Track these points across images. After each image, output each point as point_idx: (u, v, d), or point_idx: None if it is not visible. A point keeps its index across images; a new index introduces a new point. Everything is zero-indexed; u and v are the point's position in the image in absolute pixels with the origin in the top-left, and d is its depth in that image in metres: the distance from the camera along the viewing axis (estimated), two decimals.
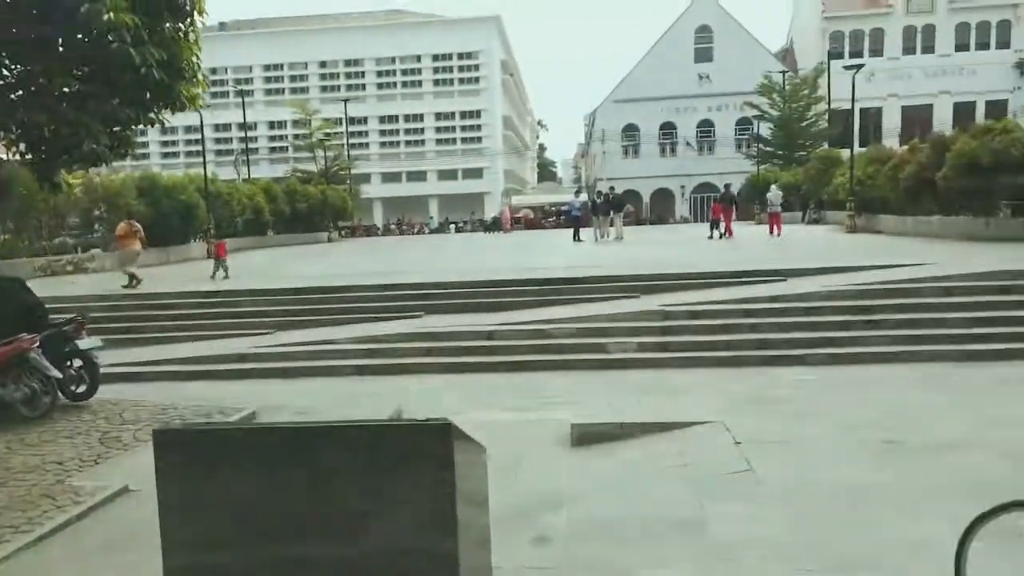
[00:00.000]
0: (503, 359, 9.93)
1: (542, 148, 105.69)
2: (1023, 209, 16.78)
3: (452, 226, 52.78)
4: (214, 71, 49.41)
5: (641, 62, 52.93)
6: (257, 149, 59.04)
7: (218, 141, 60.26)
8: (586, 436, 6.41)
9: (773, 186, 27.63)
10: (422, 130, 62.43)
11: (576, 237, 24.40)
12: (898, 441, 5.63)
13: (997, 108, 45.92)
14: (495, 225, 42.13)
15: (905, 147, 22.97)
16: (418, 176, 62.23)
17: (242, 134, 46.86)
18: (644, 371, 9.32)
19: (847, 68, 26.44)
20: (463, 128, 61.98)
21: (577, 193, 41.04)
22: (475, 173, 61.56)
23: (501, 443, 6.55)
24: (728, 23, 52.05)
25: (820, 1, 49.58)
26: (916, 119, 47.50)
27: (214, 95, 47.71)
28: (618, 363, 9.69)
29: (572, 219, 25.63)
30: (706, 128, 52.17)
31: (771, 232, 23.96)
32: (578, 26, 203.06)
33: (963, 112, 46.81)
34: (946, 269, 11.82)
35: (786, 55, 53.69)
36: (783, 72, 45.12)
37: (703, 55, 52.13)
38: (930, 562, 3.75)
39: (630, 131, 53.29)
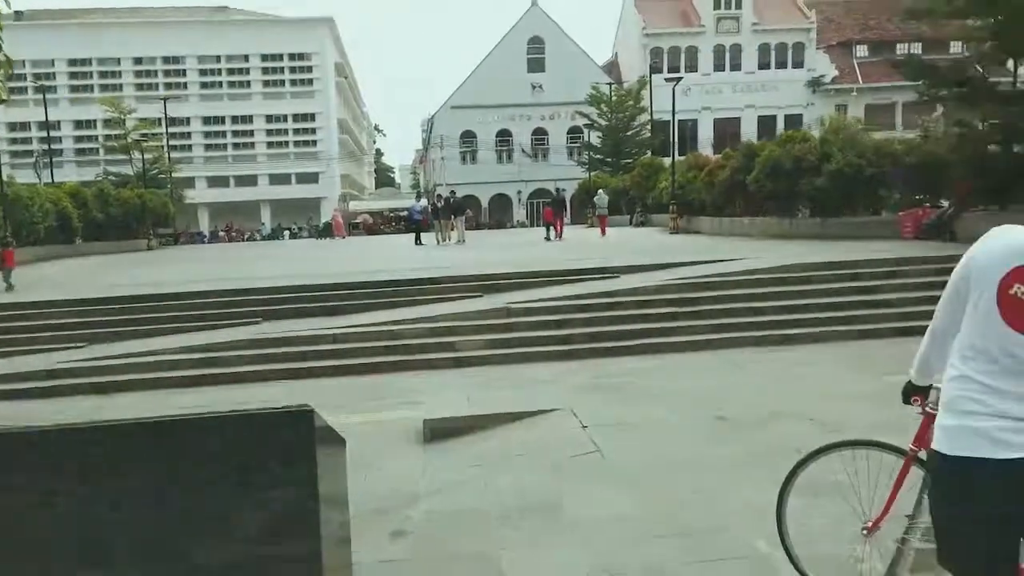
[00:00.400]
0: (351, 362, 9.70)
1: (379, 153, 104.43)
2: (819, 210, 18.70)
3: (286, 232, 50.85)
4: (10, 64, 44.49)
5: (477, 70, 53.77)
6: (62, 151, 53.79)
7: (14, 142, 54.35)
8: (439, 431, 6.40)
9: (600, 191, 29.40)
10: (251, 132, 59.67)
11: (417, 241, 24.36)
12: (728, 417, 6.10)
13: (794, 121, 51.01)
14: (327, 231, 41.00)
15: (718, 155, 24.96)
16: (248, 180, 59.40)
17: (43, 134, 42.52)
18: (492, 367, 9.48)
19: (668, 80, 28.32)
20: (296, 131, 59.93)
21: (418, 198, 41.00)
22: (310, 178, 59.67)
23: (353, 444, 6.41)
24: (558, 35, 54.08)
25: (641, 19, 52.75)
26: (726, 130, 51.80)
27: (10, 90, 42.87)
28: (467, 360, 9.77)
29: (413, 223, 25.55)
30: (540, 136, 53.87)
31: (602, 234, 25.49)
32: (413, 32, 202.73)
33: (766, 124, 51.64)
34: (758, 263, 12.93)
35: (612, 67, 56.61)
36: (610, 84, 47.57)
37: (536, 65, 53.80)
38: (768, 521, 4.10)
39: (468, 137, 53.93)
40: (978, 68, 16.83)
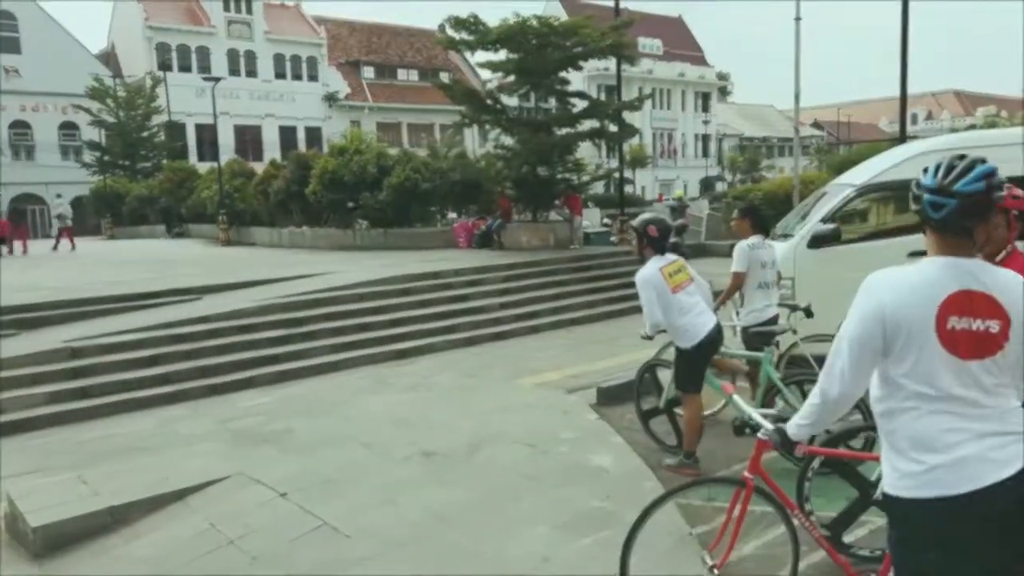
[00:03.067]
0: None
1: None
2: (378, 222, 19.09)
3: None
4: None
5: None
6: None
7: None
8: (59, 539, 4.48)
9: (59, 197, 26.69)
10: None
11: None
12: (433, 451, 5.56)
13: (314, 133, 52.07)
14: None
15: (267, 163, 23.82)
16: None
17: None
18: (65, 428, 7.25)
19: (207, 80, 26.06)
20: None
21: None
22: None
23: None
24: (35, 12, 45.31)
25: (143, 9, 47.58)
26: (248, 137, 50.21)
27: None
28: (24, 424, 7.25)
29: None
30: (22, 130, 44.41)
31: (56, 247, 23.10)
32: None
33: (287, 134, 51.58)
34: (348, 277, 12.50)
35: (108, 58, 49.79)
36: (113, 77, 41.79)
37: (8, 45, 44.17)
38: (564, 560, 3.74)
39: None
40: (499, 97, 19.11)
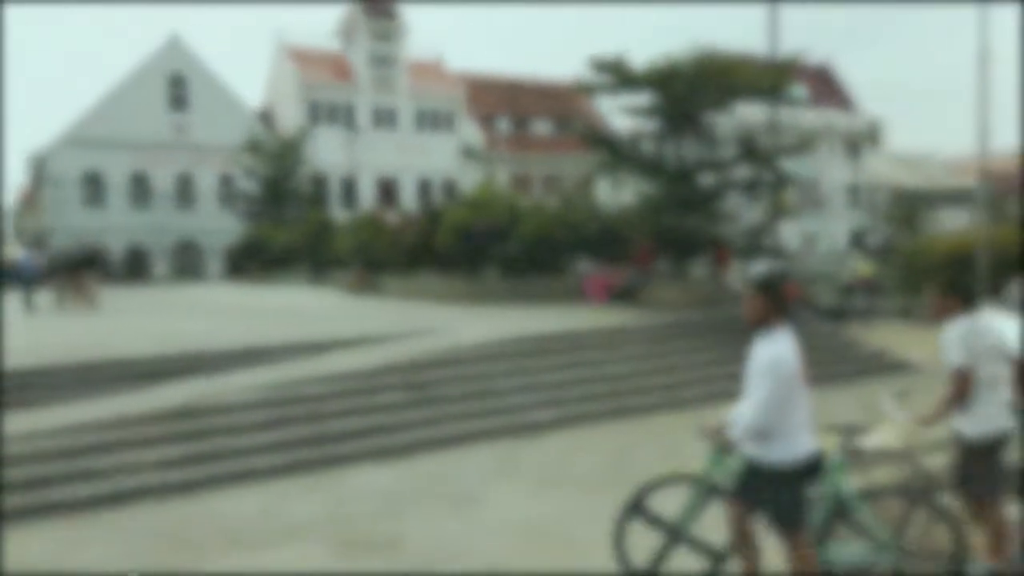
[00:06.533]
0: None
1: None
2: (508, 273, 18.35)
3: None
4: None
5: (103, 103, 46.17)
6: None
7: None
8: None
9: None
10: None
11: (29, 305, 18.52)
12: None
13: (449, 185, 52.96)
14: None
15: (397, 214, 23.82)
16: None
17: None
18: (173, 501, 6.60)
19: (348, 133, 26.63)
20: None
21: (38, 247, 32.82)
22: None
23: None
24: (204, 75, 49.21)
25: (297, 69, 50.65)
26: (387, 188, 51.80)
27: None
28: (130, 495, 6.69)
29: (25, 282, 19.04)
30: (185, 182, 47.95)
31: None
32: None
33: (424, 187, 52.82)
34: (479, 335, 11.57)
35: (265, 115, 53.22)
36: (268, 132, 44.36)
37: (178, 104, 48.14)
38: None
39: (93, 178, 45.77)
40: (639, 142, 17.97)
